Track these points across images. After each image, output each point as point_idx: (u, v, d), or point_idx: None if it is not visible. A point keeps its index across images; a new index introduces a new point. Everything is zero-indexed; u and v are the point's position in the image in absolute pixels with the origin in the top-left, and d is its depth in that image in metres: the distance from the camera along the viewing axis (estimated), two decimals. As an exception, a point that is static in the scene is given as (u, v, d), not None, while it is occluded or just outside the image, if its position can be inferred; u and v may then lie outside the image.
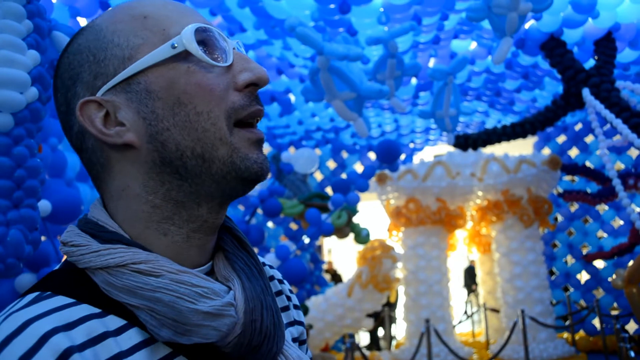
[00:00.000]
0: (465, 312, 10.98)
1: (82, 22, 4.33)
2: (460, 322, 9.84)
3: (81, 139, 0.70)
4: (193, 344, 0.63)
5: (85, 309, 0.61)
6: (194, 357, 0.65)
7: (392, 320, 9.43)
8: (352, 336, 5.30)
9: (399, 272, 7.29)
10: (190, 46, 0.65)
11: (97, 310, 0.62)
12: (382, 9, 4.88)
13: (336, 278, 10.36)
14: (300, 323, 0.90)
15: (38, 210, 2.50)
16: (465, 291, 12.17)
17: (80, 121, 0.66)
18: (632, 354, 4.72)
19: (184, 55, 0.66)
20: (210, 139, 0.66)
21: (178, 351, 0.65)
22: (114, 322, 0.62)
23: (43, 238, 3.20)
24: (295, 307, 0.91)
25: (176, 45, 0.65)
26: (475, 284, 10.58)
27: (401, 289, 7.69)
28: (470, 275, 11.90)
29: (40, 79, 2.48)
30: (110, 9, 0.71)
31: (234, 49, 0.70)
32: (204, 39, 0.67)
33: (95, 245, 0.65)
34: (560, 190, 8.38)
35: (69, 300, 0.62)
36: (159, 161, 0.66)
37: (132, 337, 0.62)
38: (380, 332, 9.68)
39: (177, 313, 0.61)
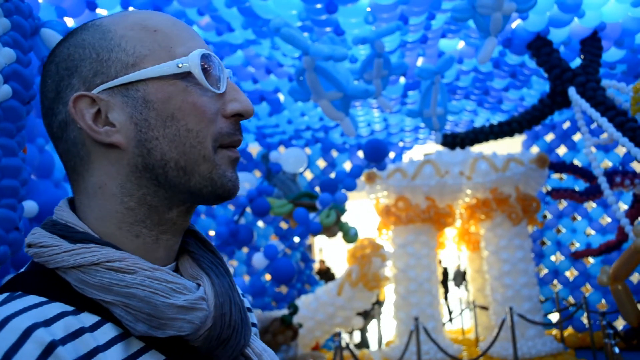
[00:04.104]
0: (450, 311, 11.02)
1: (69, 21, 4.32)
2: (450, 319, 9.89)
3: (63, 128, 0.71)
4: (166, 337, 0.66)
5: (59, 307, 0.63)
6: (166, 350, 0.68)
7: (379, 319, 9.48)
8: (339, 334, 5.31)
9: (389, 271, 7.32)
10: (195, 70, 0.70)
11: (70, 308, 0.64)
12: (368, 9, 4.90)
13: (328, 276, 10.28)
14: (254, 325, 0.94)
15: (20, 211, 2.47)
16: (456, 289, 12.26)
17: (71, 113, 0.68)
18: (617, 350, 4.77)
19: (185, 75, 0.70)
20: (195, 155, 0.70)
21: (150, 345, 0.67)
22: (88, 318, 0.64)
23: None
24: (248, 309, 0.94)
25: (181, 65, 0.69)
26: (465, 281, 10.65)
27: (391, 287, 7.71)
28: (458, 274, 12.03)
29: (17, 77, 2.42)
30: (122, 14, 0.74)
31: (227, 78, 0.75)
32: (206, 64, 0.72)
33: (67, 245, 0.66)
34: (549, 188, 8.44)
35: (42, 299, 0.63)
36: (142, 166, 0.69)
37: (107, 332, 0.64)
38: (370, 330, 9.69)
39: (152, 307, 0.64)
